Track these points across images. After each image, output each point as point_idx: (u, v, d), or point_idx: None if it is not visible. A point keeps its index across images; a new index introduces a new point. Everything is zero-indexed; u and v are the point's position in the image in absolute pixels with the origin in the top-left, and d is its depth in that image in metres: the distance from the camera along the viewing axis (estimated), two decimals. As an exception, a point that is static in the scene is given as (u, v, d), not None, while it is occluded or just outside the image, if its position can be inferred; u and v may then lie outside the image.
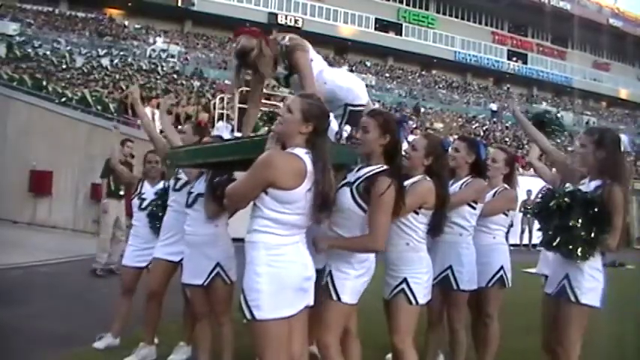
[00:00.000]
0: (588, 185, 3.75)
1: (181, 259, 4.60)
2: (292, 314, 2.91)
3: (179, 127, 15.25)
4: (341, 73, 4.30)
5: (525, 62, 57.26)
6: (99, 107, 16.32)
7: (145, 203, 5.46)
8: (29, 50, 27.93)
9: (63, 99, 16.51)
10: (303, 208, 2.91)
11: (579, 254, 3.57)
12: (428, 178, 3.75)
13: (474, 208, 4.30)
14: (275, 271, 2.84)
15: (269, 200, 2.86)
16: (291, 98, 3.15)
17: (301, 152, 2.93)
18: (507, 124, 41.24)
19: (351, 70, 43.73)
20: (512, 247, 4.85)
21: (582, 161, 3.88)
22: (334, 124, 3.10)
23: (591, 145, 3.75)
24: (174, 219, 4.81)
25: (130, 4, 43.71)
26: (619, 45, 56.82)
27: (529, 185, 16.97)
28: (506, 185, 4.64)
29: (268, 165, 2.83)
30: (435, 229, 3.77)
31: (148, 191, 5.53)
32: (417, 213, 3.65)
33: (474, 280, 4.28)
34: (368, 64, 49.79)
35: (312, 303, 3.07)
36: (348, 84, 4.17)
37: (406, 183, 3.79)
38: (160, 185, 5.54)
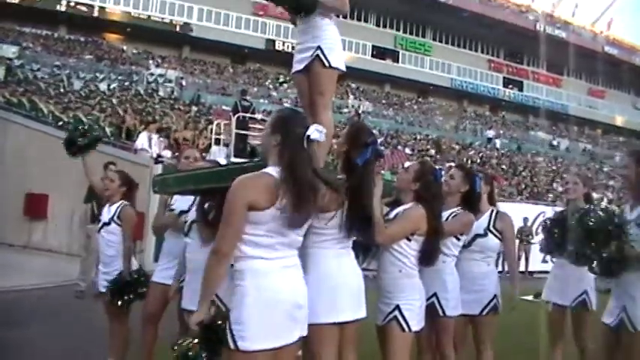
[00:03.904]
0: (631, 213, 3.75)
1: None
2: (280, 346, 2.78)
3: (176, 153, 15.37)
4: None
5: (521, 89, 57.72)
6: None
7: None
8: (28, 73, 28.05)
9: (60, 122, 16.54)
10: (277, 228, 2.79)
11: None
12: (419, 205, 3.74)
13: (459, 240, 4.30)
14: (262, 299, 2.73)
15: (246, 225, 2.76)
16: None
17: (273, 170, 2.83)
18: (503, 151, 41.46)
19: (348, 96, 44.03)
20: (508, 274, 4.85)
21: (627, 183, 3.93)
22: (315, 134, 2.94)
23: (633, 165, 3.79)
24: (172, 244, 4.82)
25: (128, 29, 44.04)
26: (614, 72, 57.32)
27: (525, 212, 17.08)
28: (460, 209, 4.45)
29: (238, 187, 2.75)
30: (427, 258, 3.74)
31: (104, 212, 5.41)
32: (409, 240, 3.65)
33: (459, 306, 4.28)
34: (365, 90, 50.04)
35: (304, 334, 2.94)
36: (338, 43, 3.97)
37: (398, 209, 3.81)
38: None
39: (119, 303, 5.01)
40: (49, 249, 13.79)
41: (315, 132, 2.89)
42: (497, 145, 43.47)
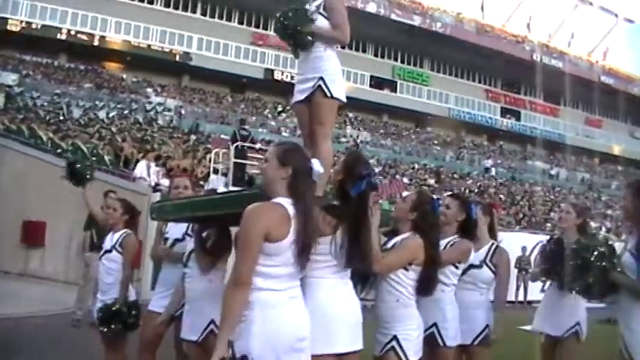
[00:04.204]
0: (630, 241, 3.79)
1: (175, 313, 4.59)
2: None
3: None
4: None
5: (519, 119, 57.87)
6: (94, 158, 16.34)
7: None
8: (27, 101, 28.14)
9: (59, 150, 16.55)
10: (289, 259, 2.83)
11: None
12: (417, 235, 3.75)
13: (457, 268, 4.29)
14: (267, 329, 2.75)
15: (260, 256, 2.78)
16: (268, 150, 3.12)
17: (284, 201, 2.87)
18: (501, 181, 41.48)
19: (346, 126, 44.15)
20: (507, 304, 4.85)
21: (624, 213, 3.98)
22: (318, 166, 3.02)
23: (630, 196, 3.82)
24: (169, 273, 4.81)
25: (128, 57, 44.25)
26: (611, 102, 57.48)
27: (523, 242, 17.05)
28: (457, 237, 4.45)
29: (253, 216, 2.76)
30: (425, 288, 3.74)
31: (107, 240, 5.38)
32: (406, 269, 3.65)
33: (458, 336, 4.26)
34: (363, 120, 50.16)
35: None
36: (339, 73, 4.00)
37: (396, 239, 3.82)
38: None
39: (107, 332, 4.98)
40: (46, 277, 13.72)
41: (320, 168, 3.00)
42: (494, 174, 43.57)
